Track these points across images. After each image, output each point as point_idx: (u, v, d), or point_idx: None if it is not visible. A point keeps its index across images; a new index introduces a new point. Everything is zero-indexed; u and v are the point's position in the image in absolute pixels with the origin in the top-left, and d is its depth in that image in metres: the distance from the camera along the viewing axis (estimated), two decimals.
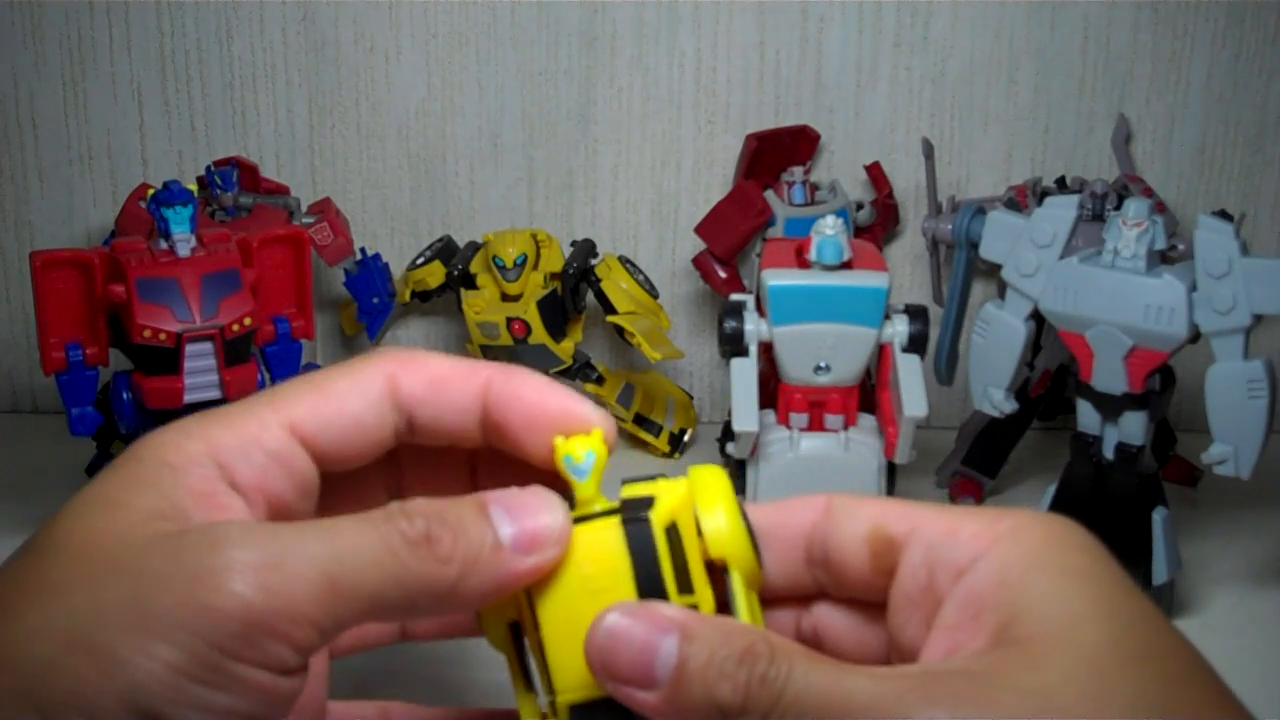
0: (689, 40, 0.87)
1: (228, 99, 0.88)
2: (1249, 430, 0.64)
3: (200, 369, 0.67)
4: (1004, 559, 0.34)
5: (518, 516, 0.35)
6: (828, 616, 0.39)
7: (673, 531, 0.36)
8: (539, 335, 0.81)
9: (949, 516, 0.36)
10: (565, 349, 0.83)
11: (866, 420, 0.70)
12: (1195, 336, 0.65)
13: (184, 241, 0.67)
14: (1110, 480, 0.68)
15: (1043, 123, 0.88)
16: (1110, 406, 0.68)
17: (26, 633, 0.32)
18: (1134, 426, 0.67)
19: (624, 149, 0.89)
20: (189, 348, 0.66)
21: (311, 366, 0.82)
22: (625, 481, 0.37)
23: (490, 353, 0.84)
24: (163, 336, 0.65)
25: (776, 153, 0.87)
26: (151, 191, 0.71)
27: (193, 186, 0.72)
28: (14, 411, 0.93)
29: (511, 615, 0.37)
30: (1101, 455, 0.69)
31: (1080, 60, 0.87)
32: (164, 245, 0.67)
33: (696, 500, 0.36)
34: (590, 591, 0.35)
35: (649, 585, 0.35)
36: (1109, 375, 0.66)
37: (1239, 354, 0.64)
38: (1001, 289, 0.70)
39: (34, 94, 0.88)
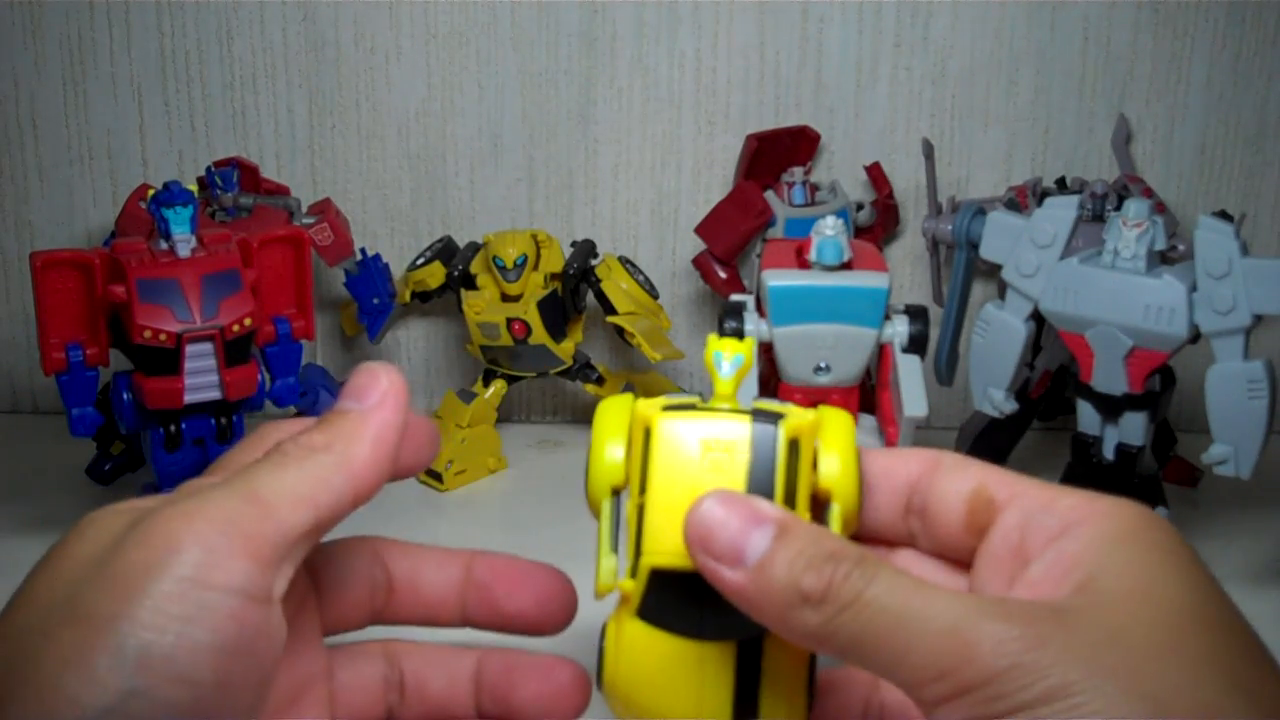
0: (689, 40, 0.87)
1: (228, 99, 0.88)
2: (1249, 430, 0.64)
3: (200, 369, 0.67)
4: (1097, 530, 0.35)
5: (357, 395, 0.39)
6: (912, 565, 0.40)
7: (794, 447, 0.38)
8: (539, 335, 0.81)
9: (1049, 490, 0.38)
10: (565, 349, 0.83)
11: (867, 420, 0.70)
12: (1195, 337, 0.65)
13: (184, 242, 0.67)
14: (1110, 481, 0.68)
15: (1043, 123, 0.88)
16: (1110, 407, 0.68)
17: (18, 623, 0.34)
18: (1134, 427, 0.68)
19: (624, 149, 0.89)
20: (189, 348, 0.66)
21: (312, 367, 0.82)
22: (757, 398, 0.40)
23: (490, 353, 0.84)
24: (163, 337, 0.65)
25: (776, 153, 0.87)
26: (151, 192, 0.71)
27: (193, 187, 0.72)
28: (14, 411, 0.93)
29: (618, 481, 0.39)
30: (1101, 455, 0.69)
31: (1080, 60, 0.87)
32: (164, 245, 0.67)
33: (821, 435, 0.39)
34: (705, 470, 0.37)
35: (758, 483, 0.37)
36: (1109, 376, 0.66)
37: (1239, 354, 0.64)
38: (1001, 289, 0.70)
39: (34, 94, 0.88)
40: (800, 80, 0.88)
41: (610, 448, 0.39)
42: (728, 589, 0.35)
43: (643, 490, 0.38)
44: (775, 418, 0.38)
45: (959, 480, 0.39)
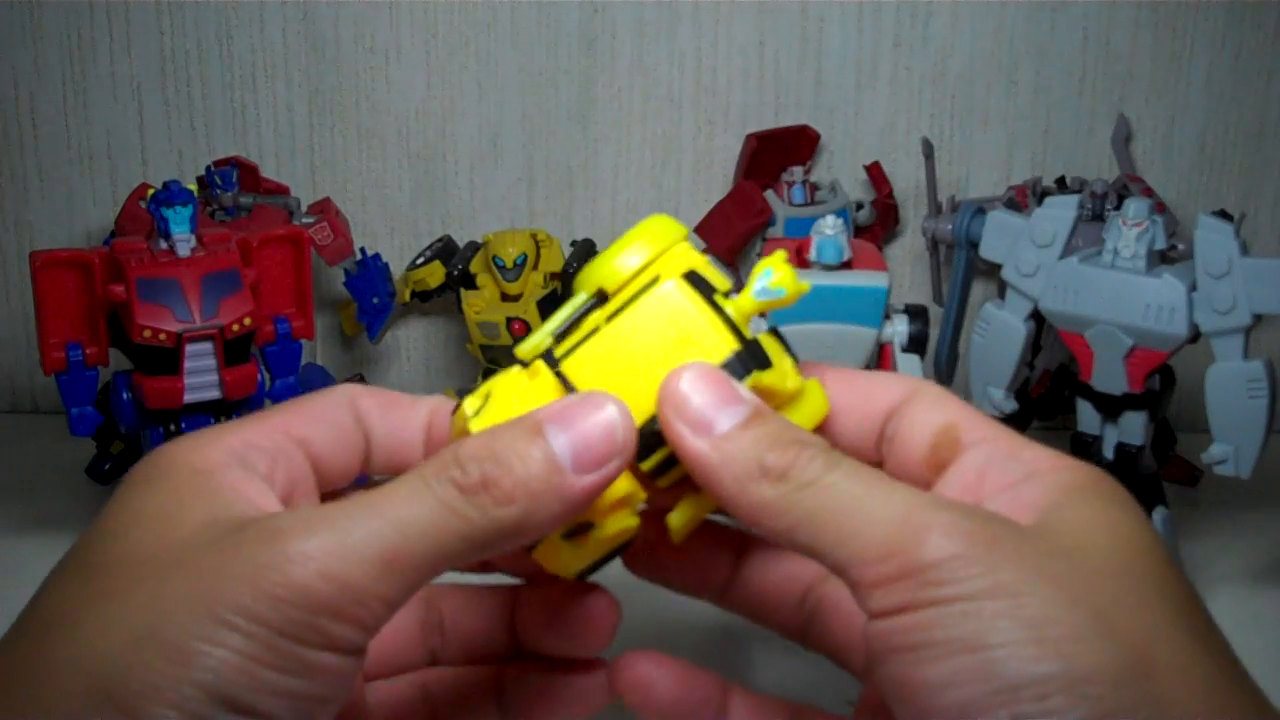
0: (689, 40, 0.87)
1: (228, 99, 0.88)
2: (1249, 430, 0.64)
3: (200, 369, 0.67)
4: (1057, 479, 0.35)
5: (576, 432, 0.35)
6: None
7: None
8: None
9: (1016, 440, 0.37)
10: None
11: None
12: (1195, 336, 0.65)
13: (184, 241, 0.67)
14: None
15: (1043, 123, 0.88)
16: (1110, 406, 0.68)
17: (91, 634, 0.32)
18: (1134, 426, 0.67)
19: (624, 149, 0.89)
20: (189, 348, 0.66)
21: (312, 367, 0.82)
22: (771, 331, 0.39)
23: (490, 353, 0.84)
24: (162, 336, 0.65)
25: (776, 153, 0.87)
26: (151, 191, 0.71)
27: (193, 186, 0.72)
28: (14, 411, 0.93)
29: (609, 286, 0.38)
30: (1101, 455, 0.69)
31: (1080, 60, 0.87)
32: (164, 245, 0.67)
33: (791, 410, 0.38)
34: (688, 336, 0.37)
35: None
36: (1109, 375, 0.66)
37: (1239, 354, 0.64)
38: (1001, 289, 0.70)
39: (34, 94, 0.88)
40: (800, 80, 0.88)
41: (630, 253, 0.38)
42: (688, 453, 0.35)
43: (610, 318, 0.37)
44: (751, 367, 0.37)
45: (931, 413, 0.38)
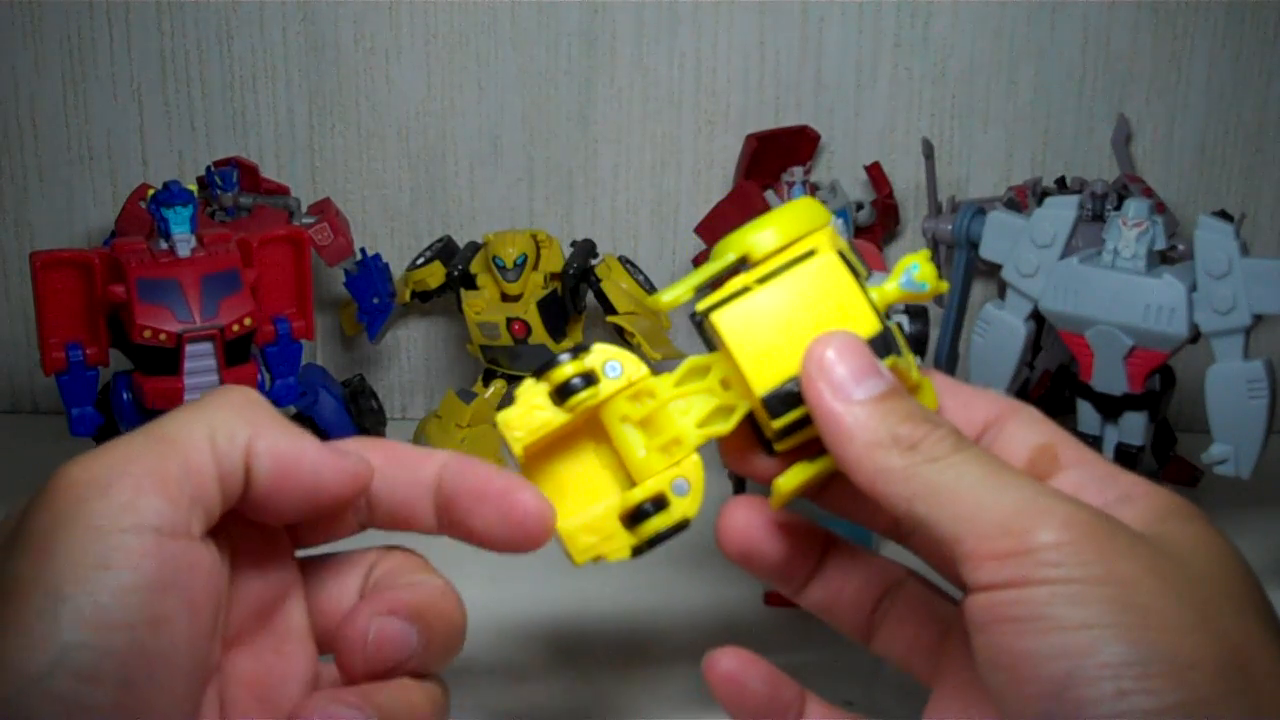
0: (689, 40, 0.87)
1: (228, 99, 0.88)
2: (1249, 430, 0.64)
3: (200, 369, 0.67)
4: (1154, 503, 0.37)
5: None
6: None
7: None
8: (539, 335, 0.81)
9: (1113, 466, 0.39)
10: (565, 349, 0.83)
11: None
12: (1195, 336, 0.65)
13: (184, 242, 0.67)
14: None
15: (1043, 123, 0.88)
16: (1110, 407, 0.68)
17: None
18: (1134, 427, 0.67)
19: (624, 149, 0.89)
20: (189, 348, 0.66)
21: (312, 367, 0.82)
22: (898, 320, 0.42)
23: (490, 353, 0.84)
24: (163, 337, 0.65)
25: (776, 153, 0.87)
26: (151, 191, 0.71)
27: (193, 186, 0.72)
28: (14, 412, 0.93)
29: (753, 255, 0.41)
30: (1101, 455, 0.69)
31: (1080, 60, 0.87)
32: (164, 245, 0.67)
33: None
34: (839, 307, 0.39)
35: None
36: (1109, 376, 0.66)
37: (1239, 354, 0.64)
38: (1001, 289, 0.70)
39: (34, 94, 0.88)
40: (800, 80, 0.88)
41: (782, 226, 0.40)
42: (825, 412, 0.37)
43: (760, 280, 0.40)
44: (890, 350, 0.39)
45: (1029, 432, 0.40)
